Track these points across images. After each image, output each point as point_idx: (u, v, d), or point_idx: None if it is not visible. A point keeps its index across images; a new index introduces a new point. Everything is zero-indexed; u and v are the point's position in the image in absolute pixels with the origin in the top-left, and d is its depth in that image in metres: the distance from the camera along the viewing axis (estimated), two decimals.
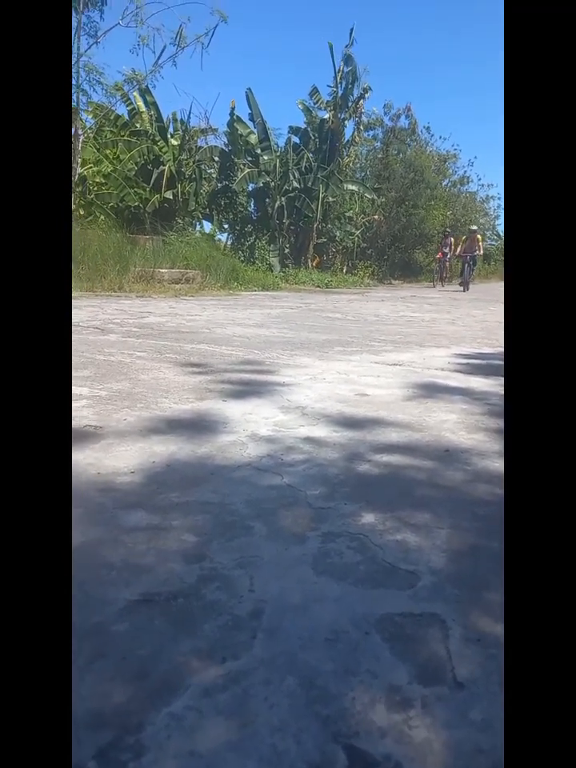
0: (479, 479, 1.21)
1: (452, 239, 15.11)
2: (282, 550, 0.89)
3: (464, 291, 12.36)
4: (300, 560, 0.86)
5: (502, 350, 3.22)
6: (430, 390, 2.06)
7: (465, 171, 20.52)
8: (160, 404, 1.73)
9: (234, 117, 13.34)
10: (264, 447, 1.35)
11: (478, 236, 13.28)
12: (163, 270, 8.83)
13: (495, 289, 14.22)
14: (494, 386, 2.20)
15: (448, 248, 15.03)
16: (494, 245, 25.44)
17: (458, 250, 13.90)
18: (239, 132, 13.37)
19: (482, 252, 13.23)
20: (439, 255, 15.63)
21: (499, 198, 22.71)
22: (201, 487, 1.11)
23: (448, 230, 16.02)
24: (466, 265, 13.17)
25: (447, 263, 15.61)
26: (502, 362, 2.78)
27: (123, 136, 12.35)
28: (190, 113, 12.96)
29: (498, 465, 1.30)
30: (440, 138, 19.83)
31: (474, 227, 13.98)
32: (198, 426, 1.52)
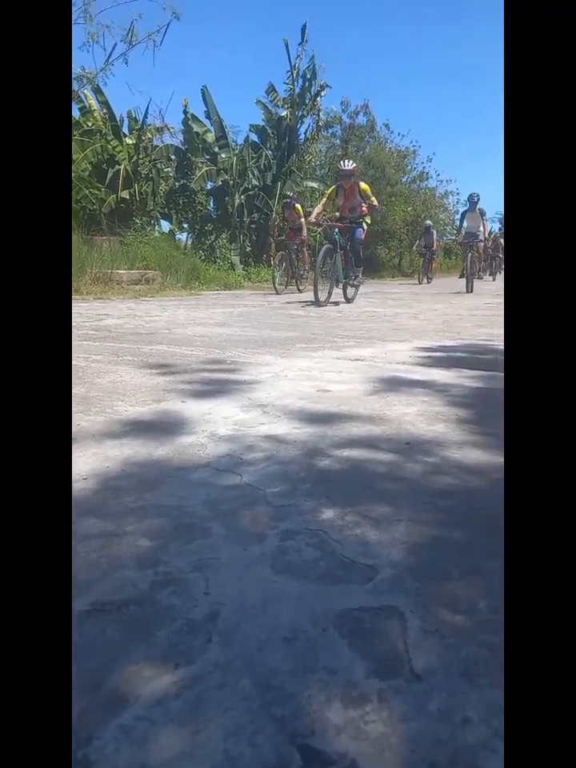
0: (439, 471, 1.22)
1: (296, 210, 9.14)
2: (240, 550, 0.87)
3: (319, 303, 6.01)
4: (258, 559, 0.84)
5: (463, 342, 3.29)
6: (392, 384, 2.07)
7: (424, 167, 20.79)
8: (116, 407, 1.69)
9: (189, 115, 13.20)
10: (223, 447, 1.33)
11: (357, 181, 6.63)
12: (121, 271, 8.67)
13: (453, 283, 14.47)
14: (455, 377, 2.23)
15: (297, 226, 9.28)
16: (452, 239, 25.89)
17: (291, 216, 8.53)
18: (195, 130, 13.25)
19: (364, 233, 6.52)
20: (286, 236, 9.55)
21: (458, 194, 23.07)
22: (157, 490, 1.08)
23: (290, 195, 10.02)
24: (329, 247, 6.23)
25: (302, 250, 9.32)
26: (463, 354, 2.83)
27: (75, 135, 12.06)
28: (146, 112, 12.77)
29: (457, 455, 1.31)
30: (399, 134, 20.03)
31: (348, 167, 6.54)
32: (156, 428, 1.48)
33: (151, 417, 1.59)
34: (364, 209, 6.65)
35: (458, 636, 0.68)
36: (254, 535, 0.92)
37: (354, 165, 6.78)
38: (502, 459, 1.28)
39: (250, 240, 14.13)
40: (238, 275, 11.84)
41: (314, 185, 15.13)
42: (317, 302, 6.06)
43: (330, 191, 6.90)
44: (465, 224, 10.21)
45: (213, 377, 2.17)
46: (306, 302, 6.84)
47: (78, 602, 0.73)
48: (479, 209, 10.05)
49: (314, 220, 6.58)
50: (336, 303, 6.40)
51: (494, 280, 17.73)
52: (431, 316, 5.18)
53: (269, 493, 1.07)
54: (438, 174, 22.66)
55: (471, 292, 9.38)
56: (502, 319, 3.86)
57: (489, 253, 19.19)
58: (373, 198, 6.62)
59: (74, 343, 3.05)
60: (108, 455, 1.26)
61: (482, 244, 10.45)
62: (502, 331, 3.78)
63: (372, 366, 2.47)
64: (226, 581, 0.79)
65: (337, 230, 6.49)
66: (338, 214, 7.00)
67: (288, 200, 9.66)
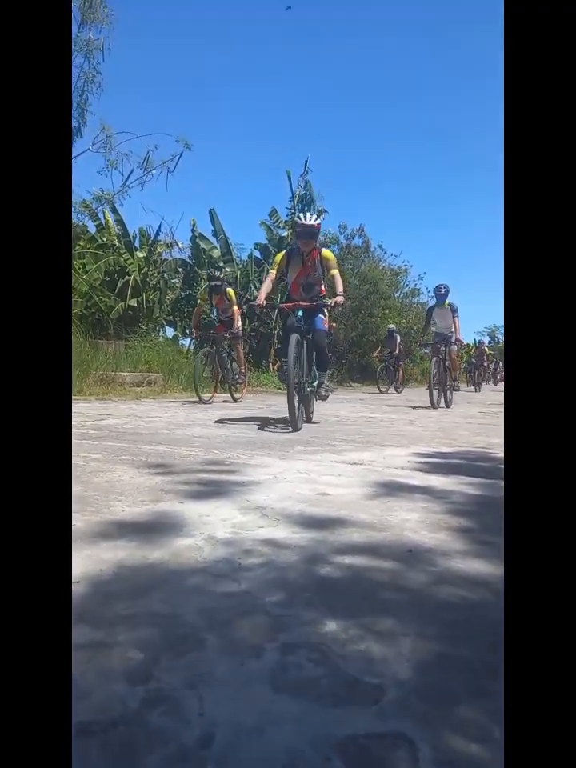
0: (443, 581, 1.18)
1: (227, 296, 7.17)
2: (236, 665, 0.81)
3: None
4: (256, 676, 0.79)
5: (460, 449, 3.29)
6: (391, 489, 2.05)
7: (415, 284, 22.01)
8: (112, 507, 1.65)
9: (197, 233, 14.29)
10: (221, 551, 1.29)
11: (320, 246, 4.65)
12: (124, 374, 8.87)
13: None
14: (454, 484, 2.21)
15: (228, 318, 7.29)
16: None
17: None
18: (202, 247, 14.26)
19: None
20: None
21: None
22: (150, 597, 1.03)
23: (220, 276, 7.56)
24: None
25: (235, 348, 7.43)
26: (460, 461, 2.82)
27: (90, 249, 12.96)
28: (158, 229, 13.85)
29: (461, 565, 1.27)
30: (391, 254, 21.46)
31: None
32: (152, 529, 1.44)
33: (148, 518, 1.56)
34: (323, 289, 4.59)
35: None
36: (252, 648, 0.86)
37: (318, 221, 4.39)
38: None
39: (251, 346, 14.63)
40: None
41: None
42: (294, 425, 3.96)
43: (279, 257, 4.51)
44: (433, 322, 8.23)
45: (211, 478, 2.15)
46: (253, 418, 4.94)
47: None
48: (449, 304, 7.94)
49: (263, 302, 4.34)
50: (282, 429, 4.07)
51: (477, 391, 15.92)
52: (427, 423, 5.23)
53: (267, 601, 1.03)
54: (429, 291, 23.92)
55: (448, 407, 7.56)
56: (497, 428, 3.90)
57: (472, 361, 18.49)
58: (336, 272, 4.39)
59: (74, 442, 3.05)
60: (102, 557, 1.22)
61: (455, 348, 7.99)
62: (498, 440, 3.80)
63: (371, 469, 2.45)
64: (221, 700, 0.73)
65: (301, 311, 4.28)
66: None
67: (217, 283, 7.11)
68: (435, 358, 7.71)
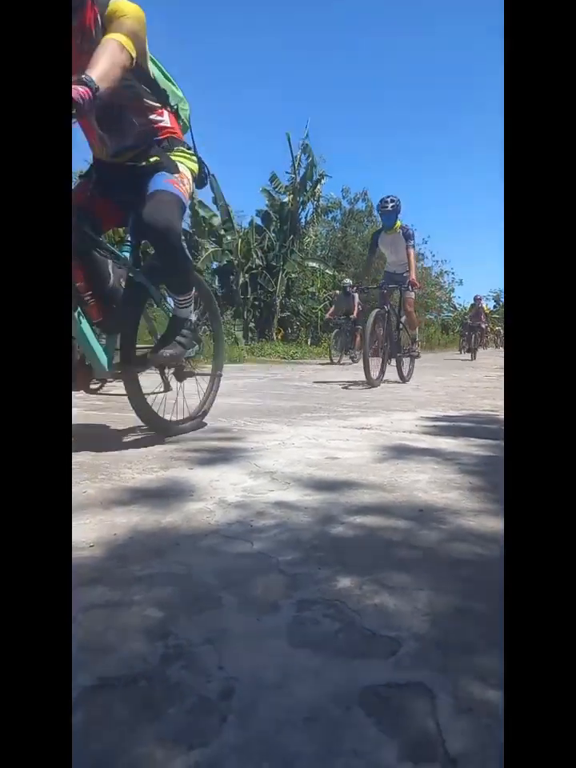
0: (456, 538, 1.18)
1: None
2: (253, 621, 0.82)
3: None
4: (273, 631, 0.80)
5: (468, 412, 3.28)
6: (400, 452, 2.05)
7: (420, 249, 21.70)
8: (123, 474, 1.66)
9: (196, 201, 14.05)
10: (233, 513, 1.30)
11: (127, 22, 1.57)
12: None
13: (450, 359, 14.57)
14: (463, 446, 2.21)
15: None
16: (450, 316, 26.57)
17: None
18: (202, 215, 14.03)
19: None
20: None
21: (453, 273, 24.01)
22: (165, 558, 1.04)
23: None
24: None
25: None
26: (469, 424, 2.82)
27: None
28: None
29: (473, 523, 1.27)
30: None
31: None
32: (163, 495, 1.45)
33: (158, 484, 1.56)
34: (175, 127, 2.11)
35: (492, 716, 0.63)
36: (268, 606, 0.87)
37: None
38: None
39: (254, 316, 14.55)
40: (242, 349, 12.07)
41: (315, 265, 15.81)
42: None
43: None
44: (379, 253, 5.87)
45: (219, 445, 2.16)
46: None
47: (83, 677, 0.68)
48: (401, 227, 5.43)
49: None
50: None
51: (473, 358, 12.98)
52: (433, 387, 5.22)
53: (281, 560, 1.03)
54: (434, 255, 23.69)
55: (403, 381, 5.47)
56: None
57: (466, 322, 15.25)
58: (118, 38, 1.61)
59: (81, 413, 3.06)
60: (115, 522, 1.23)
61: (411, 294, 5.55)
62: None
63: (379, 434, 2.45)
64: (240, 654, 0.74)
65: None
66: None
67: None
68: (377, 310, 5.11)
